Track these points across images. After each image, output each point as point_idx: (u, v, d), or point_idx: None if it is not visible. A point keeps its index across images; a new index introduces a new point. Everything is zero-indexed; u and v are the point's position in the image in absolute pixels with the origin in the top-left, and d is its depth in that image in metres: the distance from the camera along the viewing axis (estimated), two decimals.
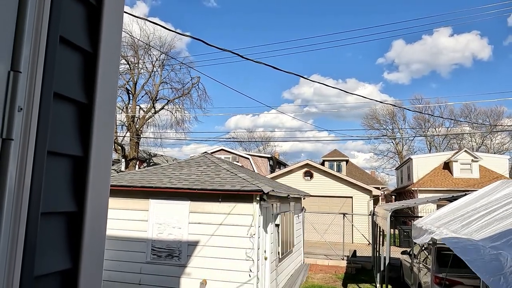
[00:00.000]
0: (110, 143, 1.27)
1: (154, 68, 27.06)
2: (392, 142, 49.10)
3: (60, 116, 1.09)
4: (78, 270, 1.12)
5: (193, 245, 8.49)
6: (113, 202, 9.07)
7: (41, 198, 0.95)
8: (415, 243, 10.40)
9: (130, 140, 26.39)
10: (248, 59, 7.78)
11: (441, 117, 40.36)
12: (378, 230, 12.75)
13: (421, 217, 10.43)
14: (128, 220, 8.93)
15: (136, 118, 26.87)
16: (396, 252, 13.15)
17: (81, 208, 1.14)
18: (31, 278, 0.93)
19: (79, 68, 1.17)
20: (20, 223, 0.89)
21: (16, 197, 0.89)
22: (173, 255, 8.55)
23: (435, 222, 6.39)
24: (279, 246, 10.22)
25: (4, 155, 0.87)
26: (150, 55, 27.06)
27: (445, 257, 7.94)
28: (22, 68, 0.90)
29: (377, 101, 33.44)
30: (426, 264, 8.70)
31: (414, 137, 48.18)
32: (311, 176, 22.99)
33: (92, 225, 1.18)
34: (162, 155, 32.43)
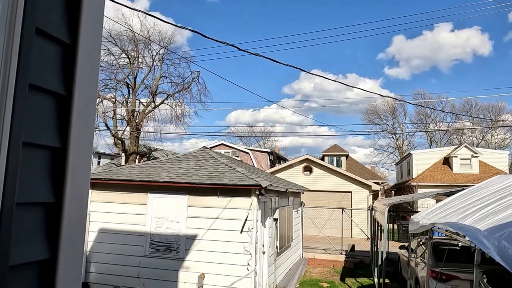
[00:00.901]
0: (90, 135, 1.27)
1: (154, 62, 27.02)
2: (393, 137, 49.12)
3: (37, 108, 1.08)
4: (56, 260, 1.13)
5: (191, 239, 8.52)
6: (112, 195, 9.10)
7: (16, 189, 0.95)
8: (413, 237, 10.44)
9: (130, 134, 26.41)
10: (246, 51, 7.77)
11: (443, 111, 40.25)
12: (377, 225, 12.78)
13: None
14: (126, 214, 8.96)
15: (136, 113, 26.86)
16: (395, 247, 13.19)
17: (59, 199, 1.14)
18: (6, 267, 0.94)
19: (57, 60, 1.16)
20: None
21: None
22: (172, 249, 8.59)
23: (432, 217, 6.42)
24: (277, 240, 10.26)
25: None
26: (150, 49, 27.01)
27: (441, 252, 7.97)
28: None
29: (379, 95, 33.38)
30: (423, 258, 8.73)
31: (415, 132, 48.16)
32: (311, 171, 23.02)
33: (71, 216, 1.18)
34: (162, 150, 32.45)
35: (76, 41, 1.20)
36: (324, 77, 12.29)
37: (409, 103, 43.92)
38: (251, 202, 8.19)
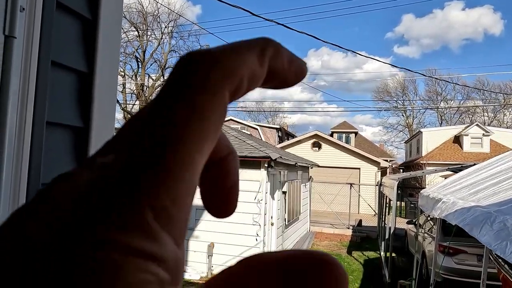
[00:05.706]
0: (112, 113, 1.23)
1: (163, 36, 26.78)
2: (403, 115, 48.54)
3: (59, 86, 1.05)
4: None
5: (201, 209, 8.63)
6: None
7: (40, 172, 0.95)
8: (421, 212, 10.48)
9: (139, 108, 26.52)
10: (259, 16, 7.61)
11: (457, 84, 39.09)
12: (385, 200, 12.83)
13: None
14: None
15: (145, 87, 26.85)
16: (402, 223, 13.26)
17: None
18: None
19: (78, 36, 1.12)
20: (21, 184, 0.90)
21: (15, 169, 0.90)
22: None
23: (442, 191, 6.41)
24: (285, 213, 10.39)
25: (8, 52, 0.85)
26: (159, 22, 26.72)
27: (449, 227, 8.01)
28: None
29: (405, 68, 32.78)
30: (431, 233, 8.79)
31: (426, 109, 47.44)
32: (319, 147, 22.97)
33: None
34: None
35: (97, 16, 1.15)
36: (340, 47, 12.07)
37: (423, 75, 42.82)
38: (261, 174, 8.25)
